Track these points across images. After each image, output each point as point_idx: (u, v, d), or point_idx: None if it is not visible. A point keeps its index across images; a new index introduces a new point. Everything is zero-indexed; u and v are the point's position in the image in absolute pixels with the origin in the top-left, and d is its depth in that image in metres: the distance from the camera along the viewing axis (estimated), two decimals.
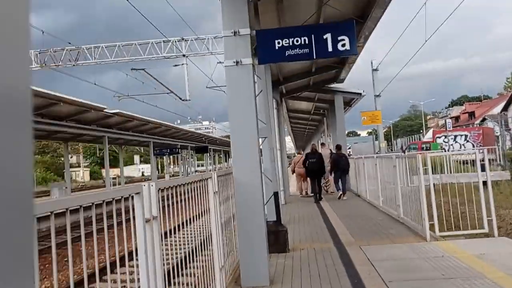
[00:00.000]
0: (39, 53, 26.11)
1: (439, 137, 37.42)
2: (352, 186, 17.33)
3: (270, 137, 7.21)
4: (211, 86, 25.52)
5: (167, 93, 26.81)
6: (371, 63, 30.21)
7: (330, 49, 5.65)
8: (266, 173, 7.05)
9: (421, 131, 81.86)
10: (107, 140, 30.51)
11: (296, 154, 22.68)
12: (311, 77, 16.05)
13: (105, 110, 25.50)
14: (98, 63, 26.30)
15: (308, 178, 15.98)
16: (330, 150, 17.29)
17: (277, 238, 7.27)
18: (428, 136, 48.13)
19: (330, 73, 16.40)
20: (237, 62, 5.72)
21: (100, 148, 62.00)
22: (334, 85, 18.11)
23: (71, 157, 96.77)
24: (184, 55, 25.51)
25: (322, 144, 20.10)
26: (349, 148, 70.36)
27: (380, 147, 28.18)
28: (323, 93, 18.92)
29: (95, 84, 24.38)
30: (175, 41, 25.63)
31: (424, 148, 36.01)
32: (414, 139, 56.87)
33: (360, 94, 18.50)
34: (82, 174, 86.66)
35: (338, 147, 15.78)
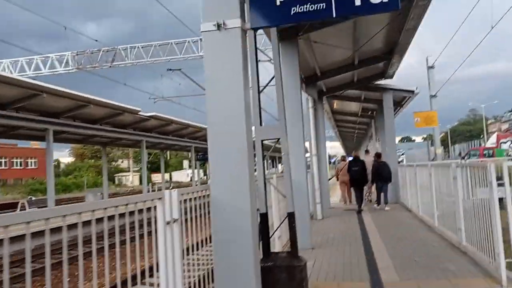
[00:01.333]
0: (76, 55, 25.58)
1: (505, 142, 33.69)
2: (402, 198, 15.01)
3: (285, 138, 5.33)
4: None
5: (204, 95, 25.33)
6: (427, 60, 27.51)
7: (358, 2, 3.73)
8: (284, 187, 5.27)
9: (482, 136, 76.54)
10: (145, 145, 29.60)
11: (340, 161, 21.13)
12: (354, 72, 13.95)
13: (140, 113, 24.49)
14: (134, 63, 25.41)
15: (352, 188, 15.24)
16: (374, 158, 15.45)
17: (291, 276, 5.35)
18: (491, 141, 43.99)
19: (376, 67, 14.22)
20: (218, 25, 3.95)
21: (149, 152, 62.05)
22: (382, 82, 15.87)
23: (122, 162, 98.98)
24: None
25: (366, 152, 18.24)
26: (402, 155, 66.40)
27: (436, 154, 25.37)
28: (370, 91, 16.69)
29: (125, 84, 23.33)
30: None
31: (487, 155, 32.54)
32: (474, 145, 52.53)
33: (413, 92, 16.12)
34: (132, 179, 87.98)
35: (378, 155, 15.08)
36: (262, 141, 5.40)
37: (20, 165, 69.14)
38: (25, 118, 18.57)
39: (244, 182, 3.98)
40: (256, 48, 4.83)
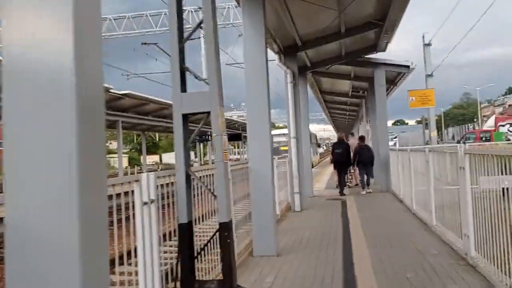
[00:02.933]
0: None
1: (503, 125, 32.10)
2: (394, 186, 13.37)
3: (216, 111, 3.59)
4: (230, 63, 21.96)
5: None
6: (423, 37, 25.68)
7: None
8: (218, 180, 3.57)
9: (475, 119, 75.22)
10: (121, 125, 27.73)
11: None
12: (341, 43, 12.13)
13: (111, 91, 22.56)
14: (106, 37, 23.33)
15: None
16: (358, 141, 15.38)
17: None
18: (489, 124, 42.43)
19: (367, 38, 12.41)
20: None
21: (138, 134, 60.30)
22: (374, 56, 14.08)
23: (110, 143, 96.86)
24: (200, 27, 21.95)
25: (351, 134, 17.37)
26: (394, 138, 64.91)
27: (431, 137, 23.77)
28: (360, 66, 14.89)
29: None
30: (191, 11, 22.17)
31: (484, 139, 31.01)
32: (467, 129, 51.09)
33: (408, 67, 14.32)
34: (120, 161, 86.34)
35: (361, 138, 14.93)
36: (185, 115, 3.65)
37: None
38: None
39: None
40: None
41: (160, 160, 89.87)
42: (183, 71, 3.88)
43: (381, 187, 14.43)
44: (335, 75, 16.70)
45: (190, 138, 3.75)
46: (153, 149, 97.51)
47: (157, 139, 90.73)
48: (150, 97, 26.31)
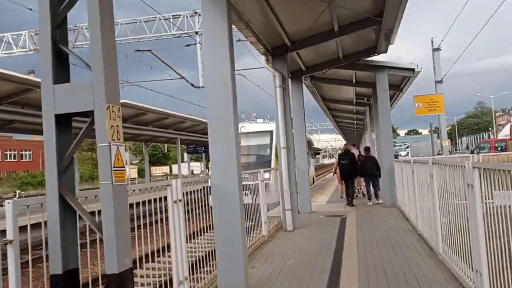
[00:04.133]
0: (35, 35, 22.70)
1: None
2: (400, 201, 12.09)
3: (103, 112, 2.45)
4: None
5: (178, 79, 22.46)
6: (432, 41, 24.45)
7: None
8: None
9: (490, 128, 73.24)
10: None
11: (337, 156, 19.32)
12: (337, 43, 10.96)
13: None
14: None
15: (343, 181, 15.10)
16: (359, 152, 15.86)
17: None
18: (504, 133, 40.72)
19: (366, 38, 11.24)
20: None
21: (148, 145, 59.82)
22: (376, 59, 12.88)
23: None
24: (197, 33, 21.03)
25: (353, 145, 17.00)
26: (407, 148, 63.42)
27: (442, 146, 22.38)
28: (361, 70, 13.70)
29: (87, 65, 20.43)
30: (187, 16, 21.22)
31: (499, 148, 29.40)
32: (482, 138, 49.28)
33: (413, 70, 13.07)
34: (128, 172, 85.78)
35: (366, 149, 14.57)
36: (62, 115, 2.52)
37: (14, 158, 67.24)
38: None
39: None
40: None
41: (170, 170, 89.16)
42: (60, 52, 2.77)
43: (386, 202, 13.15)
44: (335, 80, 15.53)
45: (71, 149, 2.63)
46: (162, 160, 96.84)
47: (165, 150, 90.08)
48: (148, 106, 25.35)
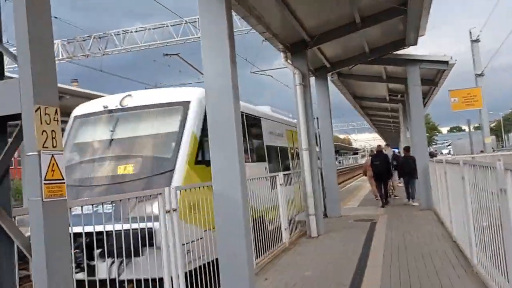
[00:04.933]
0: (67, 43, 23.07)
1: None
2: (435, 204, 11.27)
3: (34, 114, 2.02)
4: (254, 71, 20.48)
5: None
6: (470, 32, 23.17)
7: None
8: None
9: None
10: None
11: (368, 156, 20.17)
12: (362, 36, 10.30)
13: None
14: (128, 50, 22.60)
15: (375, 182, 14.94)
16: (393, 152, 16.28)
17: None
18: None
19: (394, 30, 10.52)
20: None
21: None
22: (406, 52, 12.09)
23: None
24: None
25: (387, 145, 15.92)
26: (448, 145, 60.82)
27: (484, 143, 21.08)
28: (390, 65, 12.93)
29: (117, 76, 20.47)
30: None
31: None
32: None
33: (447, 63, 12.18)
34: None
35: (406, 149, 14.14)
36: None
37: None
38: None
39: None
40: None
41: None
42: None
43: (421, 204, 12.34)
44: (364, 77, 14.79)
45: (1, 158, 2.24)
46: None
47: None
48: None
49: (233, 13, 7.20)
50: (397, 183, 16.44)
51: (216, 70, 5.19)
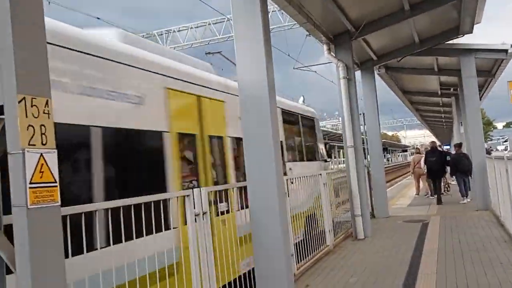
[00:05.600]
0: None
1: None
2: (494, 204, 10.42)
3: (18, 108, 1.72)
4: (298, 67, 20.00)
5: None
6: None
7: None
8: None
9: None
10: None
11: (414, 153, 18.80)
12: (410, 26, 9.63)
13: None
14: (172, 48, 22.69)
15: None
16: (442, 149, 16.22)
17: None
18: None
19: (446, 17, 9.79)
20: None
21: None
22: (460, 41, 11.25)
23: None
24: None
25: (432, 142, 15.33)
26: (505, 141, 58.08)
27: None
28: (442, 55, 12.11)
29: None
30: None
31: None
32: None
33: (506, 51, 11.21)
34: None
35: (458, 145, 13.91)
36: None
37: None
38: None
39: None
40: None
41: None
42: None
43: (478, 204, 11.47)
44: (414, 70, 14.00)
45: None
46: None
47: None
48: None
49: (272, 2, 6.87)
50: (450, 180, 16.10)
51: (250, 61, 4.85)
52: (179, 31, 22.17)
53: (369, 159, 12.19)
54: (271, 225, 4.65)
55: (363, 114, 12.48)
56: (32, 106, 1.82)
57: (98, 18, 16.73)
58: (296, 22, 8.60)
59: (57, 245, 1.85)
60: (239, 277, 4.87)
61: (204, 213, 4.08)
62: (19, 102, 1.78)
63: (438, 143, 24.94)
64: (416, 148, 22.86)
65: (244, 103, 4.95)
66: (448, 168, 13.83)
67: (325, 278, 6.13)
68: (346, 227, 9.44)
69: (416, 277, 5.82)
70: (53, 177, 1.88)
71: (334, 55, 9.10)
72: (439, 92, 18.87)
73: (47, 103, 1.89)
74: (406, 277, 5.84)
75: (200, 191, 4.07)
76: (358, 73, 11.76)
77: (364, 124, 11.93)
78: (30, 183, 1.78)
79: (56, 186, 1.89)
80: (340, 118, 14.31)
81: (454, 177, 14.35)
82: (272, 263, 4.64)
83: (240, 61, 4.92)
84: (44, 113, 1.86)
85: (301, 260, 6.65)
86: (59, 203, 1.88)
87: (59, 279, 1.84)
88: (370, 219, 9.73)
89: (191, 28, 21.92)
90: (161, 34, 22.40)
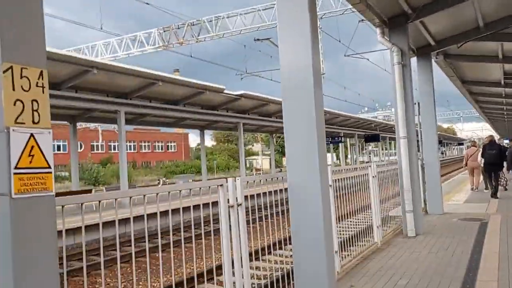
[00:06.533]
0: (163, 31, 23.66)
1: None
2: None
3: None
4: (349, 54, 19.28)
5: None
6: None
7: None
8: None
9: None
10: (242, 128, 26.87)
11: (470, 146, 18.18)
12: (475, 7, 8.80)
13: (226, 92, 21.64)
14: (220, 36, 22.53)
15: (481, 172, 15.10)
16: (499, 143, 15.47)
17: None
18: None
19: None
20: None
21: (279, 135, 60.80)
22: None
23: (252, 146, 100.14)
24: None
25: (490, 136, 14.85)
26: None
27: None
28: (509, 41, 11.07)
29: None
30: None
31: None
32: None
33: None
34: (261, 162, 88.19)
35: None
36: None
37: (161, 149, 74.46)
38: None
39: None
40: None
41: None
42: None
43: None
44: (474, 57, 12.96)
45: None
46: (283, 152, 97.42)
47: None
48: (268, 97, 24.85)
49: None
50: (507, 176, 15.64)
51: (293, 45, 4.46)
52: (228, 17, 21.91)
53: (422, 152, 11.44)
54: (313, 219, 4.26)
55: (418, 103, 11.71)
56: (21, 77, 1.53)
57: (147, 4, 16.71)
58: (348, 3, 8.04)
59: (49, 243, 1.56)
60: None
61: (239, 205, 3.77)
62: (4, 72, 1.49)
63: (497, 137, 23.73)
64: (473, 141, 21.77)
65: (285, 91, 4.58)
66: (505, 164, 13.37)
67: (372, 279, 5.67)
68: (395, 223, 8.88)
69: (475, 284, 5.24)
70: (47, 161, 1.59)
71: (388, 39, 8.46)
72: (502, 82, 17.52)
73: (41, 74, 1.60)
74: (463, 284, 5.27)
75: (235, 180, 3.78)
76: (413, 60, 11.02)
77: (419, 114, 11.16)
78: (16, 168, 1.49)
79: (50, 172, 1.60)
80: (393, 109, 13.64)
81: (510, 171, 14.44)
82: (312, 260, 4.26)
83: (283, 39, 4.54)
84: (37, 86, 1.57)
85: (345, 258, 6.23)
86: (53, 192, 1.59)
87: (50, 286, 1.55)
88: (422, 216, 9.09)
89: (241, 14, 21.59)
90: (211, 21, 22.24)
